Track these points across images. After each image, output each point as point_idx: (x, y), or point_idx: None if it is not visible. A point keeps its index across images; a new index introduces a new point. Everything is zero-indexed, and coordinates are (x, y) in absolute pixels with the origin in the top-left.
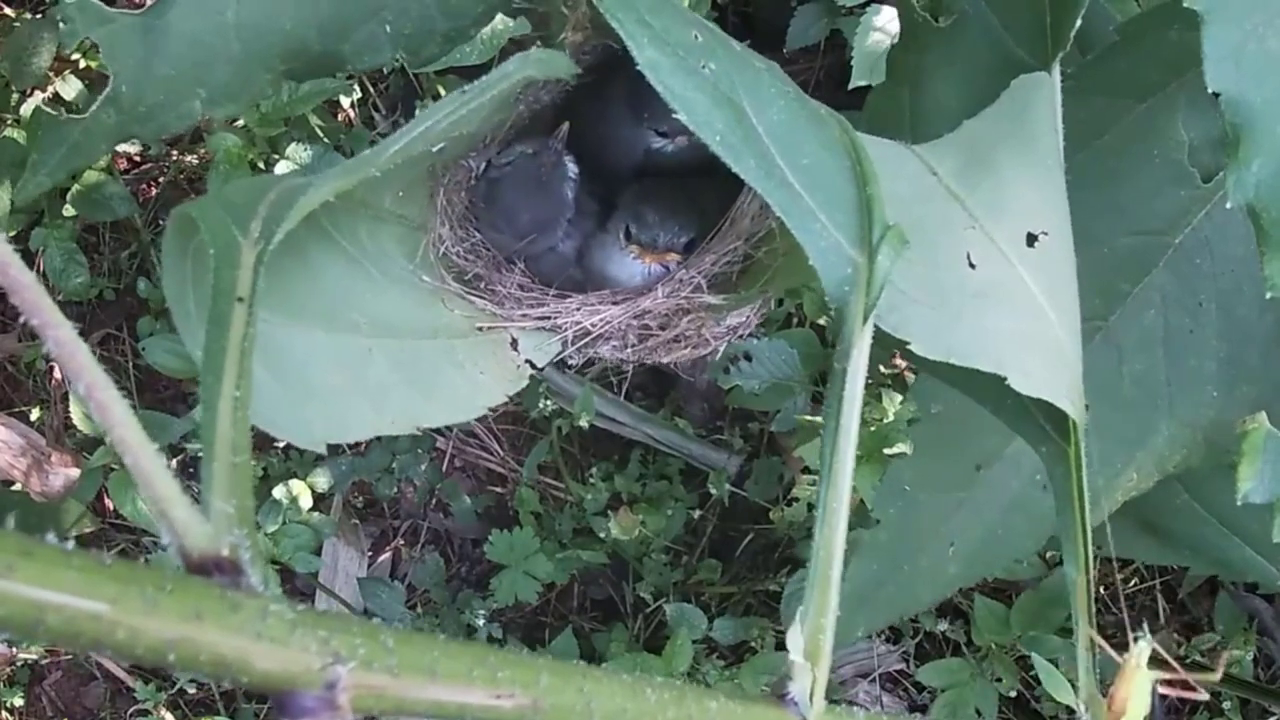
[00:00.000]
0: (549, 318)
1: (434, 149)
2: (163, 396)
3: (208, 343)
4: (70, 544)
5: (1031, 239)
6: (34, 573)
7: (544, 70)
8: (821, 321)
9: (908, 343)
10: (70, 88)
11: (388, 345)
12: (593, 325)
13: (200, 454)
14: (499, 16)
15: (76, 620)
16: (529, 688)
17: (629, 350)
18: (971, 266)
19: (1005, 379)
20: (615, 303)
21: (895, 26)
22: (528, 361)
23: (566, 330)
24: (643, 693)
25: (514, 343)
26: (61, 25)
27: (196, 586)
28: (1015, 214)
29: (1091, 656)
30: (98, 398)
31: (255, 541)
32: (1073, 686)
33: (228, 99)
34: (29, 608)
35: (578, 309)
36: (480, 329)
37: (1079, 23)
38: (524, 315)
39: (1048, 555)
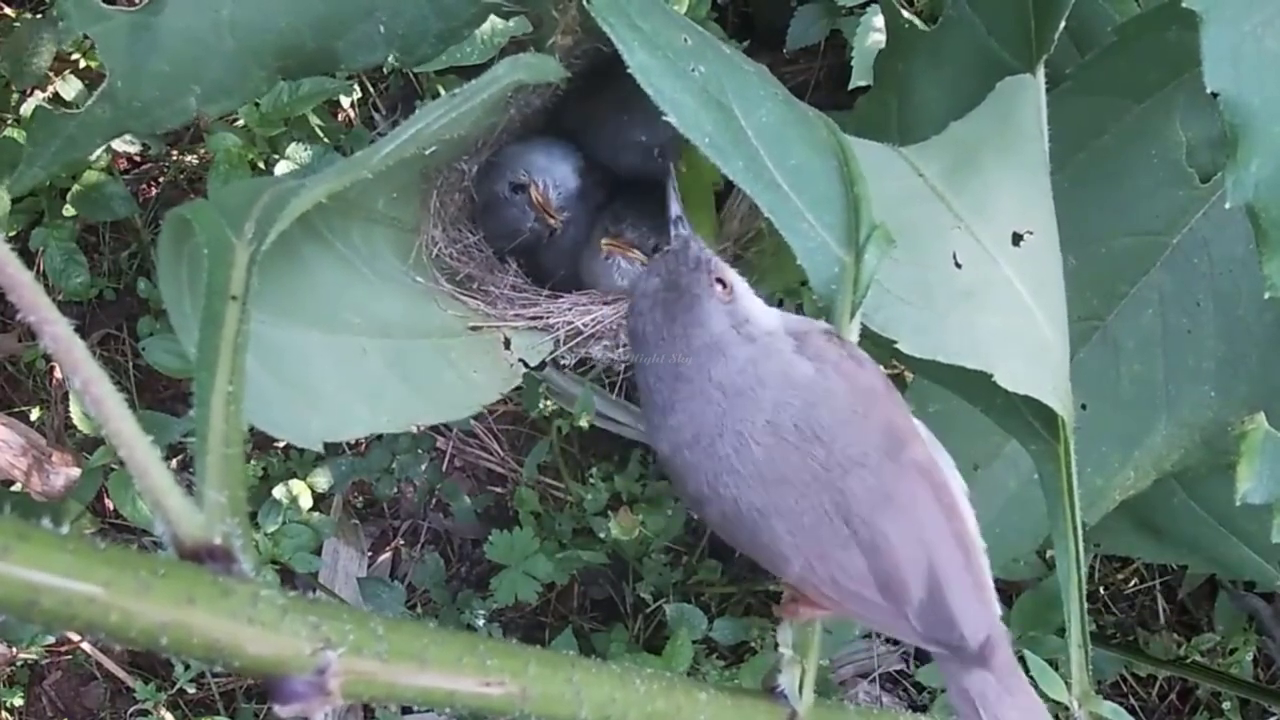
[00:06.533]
0: (541, 318)
1: (426, 152)
2: (163, 397)
3: (201, 340)
4: (66, 528)
5: (1017, 238)
6: (30, 555)
7: (534, 74)
8: None
9: (895, 341)
10: (70, 87)
11: (383, 345)
12: (584, 325)
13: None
14: (494, 17)
15: (71, 602)
16: (518, 676)
17: (620, 350)
18: (958, 266)
19: (992, 376)
20: (606, 303)
21: None
22: (521, 361)
23: (558, 330)
24: (631, 683)
25: (507, 342)
26: (59, 23)
27: (189, 572)
28: (1001, 214)
29: (1084, 653)
30: (93, 392)
31: (247, 530)
32: (1067, 685)
33: (222, 95)
34: (24, 589)
35: (569, 309)
36: (473, 329)
37: (1062, 25)
38: (516, 315)
39: (1047, 555)
